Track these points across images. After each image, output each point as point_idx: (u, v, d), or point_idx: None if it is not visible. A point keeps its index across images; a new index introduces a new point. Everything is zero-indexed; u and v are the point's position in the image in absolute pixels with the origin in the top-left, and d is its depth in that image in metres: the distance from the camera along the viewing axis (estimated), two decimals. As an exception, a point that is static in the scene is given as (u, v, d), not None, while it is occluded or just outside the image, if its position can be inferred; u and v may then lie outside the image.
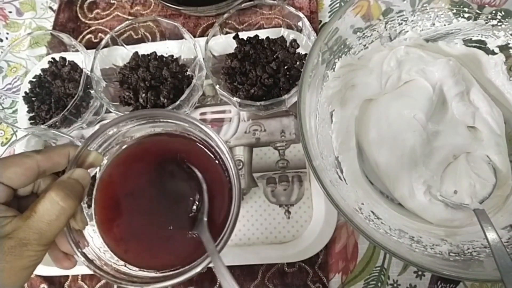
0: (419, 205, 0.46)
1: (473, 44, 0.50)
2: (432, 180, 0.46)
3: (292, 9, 0.50)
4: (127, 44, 0.57)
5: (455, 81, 0.47)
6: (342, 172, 0.48)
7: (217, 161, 0.41)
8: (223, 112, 0.58)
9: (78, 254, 0.34)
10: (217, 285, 0.50)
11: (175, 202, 0.40)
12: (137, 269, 0.38)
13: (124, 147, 0.42)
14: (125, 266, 0.38)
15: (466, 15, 0.47)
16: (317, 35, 0.50)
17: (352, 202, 0.45)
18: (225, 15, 0.51)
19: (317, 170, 0.41)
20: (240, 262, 0.50)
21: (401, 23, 0.50)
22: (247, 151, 0.56)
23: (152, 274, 0.38)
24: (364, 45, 0.51)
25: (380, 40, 0.51)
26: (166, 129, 0.43)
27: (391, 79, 0.51)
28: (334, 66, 0.49)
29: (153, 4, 0.64)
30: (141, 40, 0.59)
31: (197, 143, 0.42)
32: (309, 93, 0.45)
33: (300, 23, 0.52)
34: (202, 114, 0.58)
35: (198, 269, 0.35)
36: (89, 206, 0.39)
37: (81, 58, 0.55)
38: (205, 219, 0.38)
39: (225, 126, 0.57)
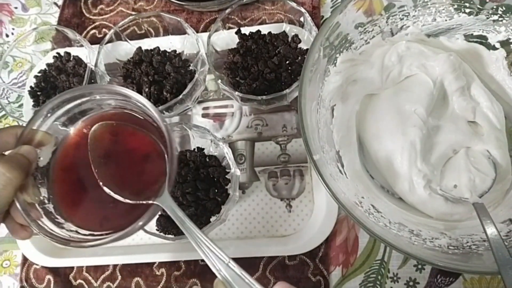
0: (419, 199, 0.46)
1: (474, 39, 0.50)
2: (432, 175, 0.46)
3: (294, 4, 0.50)
4: (130, 39, 0.58)
5: (456, 76, 0.47)
6: (343, 166, 0.48)
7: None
8: (226, 106, 0.58)
9: (29, 221, 0.36)
10: (219, 277, 0.51)
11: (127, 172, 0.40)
12: (87, 232, 0.39)
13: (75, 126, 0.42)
14: (76, 232, 0.39)
15: (467, 10, 0.48)
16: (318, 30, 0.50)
17: (352, 195, 0.45)
18: (227, 10, 0.52)
19: (318, 164, 0.41)
20: (242, 255, 0.51)
21: (403, 18, 0.51)
22: (249, 145, 0.56)
23: (101, 237, 0.38)
24: (366, 40, 0.51)
25: (381, 35, 0.52)
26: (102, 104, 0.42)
27: (392, 74, 0.51)
28: (335, 61, 0.49)
29: (156, 0, 0.64)
30: (145, 35, 0.59)
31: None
32: (310, 87, 0.45)
33: (302, 19, 0.52)
34: (204, 108, 0.59)
35: (140, 223, 0.35)
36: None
37: (86, 53, 0.56)
38: (167, 190, 0.37)
39: (228, 121, 0.58)
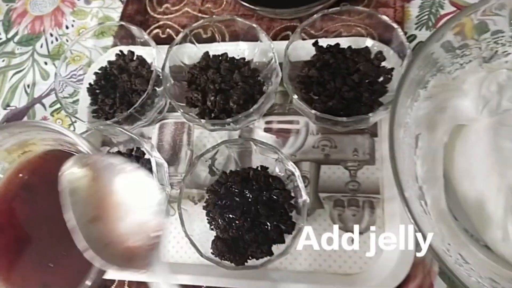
0: (514, 251, 0.40)
1: None
2: (535, 225, 0.40)
3: (385, 18, 0.45)
4: (193, 43, 0.54)
5: None
6: (426, 204, 0.43)
7: None
8: (291, 122, 0.54)
9: None
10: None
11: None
12: None
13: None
14: None
15: None
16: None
17: (439, 241, 0.40)
18: (310, 20, 0.47)
19: (409, 202, 0.36)
20: (300, 290, 0.46)
21: (505, 44, 0.45)
22: (314, 167, 0.51)
23: None
24: (461, 64, 0.46)
25: (479, 60, 0.46)
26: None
27: (489, 105, 0.45)
28: (426, 85, 0.44)
29: (224, 2, 0.61)
30: (210, 40, 0.56)
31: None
32: (401, 113, 0.40)
33: (389, 34, 0.47)
34: (267, 122, 0.54)
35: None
36: None
37: (149, 53, 0.53)
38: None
39: (292, 138, 0.53)
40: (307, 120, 0.53)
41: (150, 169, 0.46)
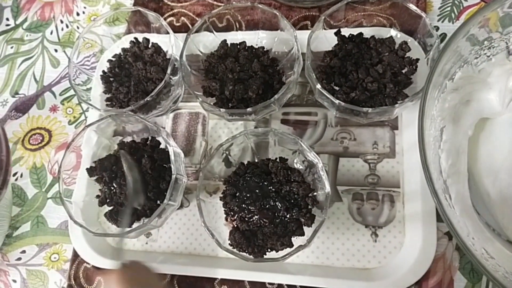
0: (541, 249, 0.39)
1: None
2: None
3: (413, 7, 0.44)
4: (211, 31, 0.52)
5: None
6: (450, 198, 0.42)
7: None
8: (309, 114, 0.53)
9: None
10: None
11: None
12: None
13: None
14: None
15: None
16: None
17: (465, 236, 0.39)
18: (333, 8, 0.46)
19: (439, 195, 0.35)
20: (318, 284, 0.45)
21: (532, 36, 0.43)
22: (332, 160, 0.50)
23: None
24: (488, 56, 0.44)
25: (506, 52, 0.45)
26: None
27: (515, 98, 0.44)
28: (453, 76, 0.43)
29: (240, -10, 0.59)
30: (226, 29, 0.54)
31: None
32: (429, 105, 0.39)
33: (414, 24, 0.46)
34: (284, 114, 0.53)
35: None
36: None
37: (162, 40, 0.51)
38: None
39: (310, 130, 0.52)
40: (326, 111, 0.52)
41: (167, 159, 0.45)
